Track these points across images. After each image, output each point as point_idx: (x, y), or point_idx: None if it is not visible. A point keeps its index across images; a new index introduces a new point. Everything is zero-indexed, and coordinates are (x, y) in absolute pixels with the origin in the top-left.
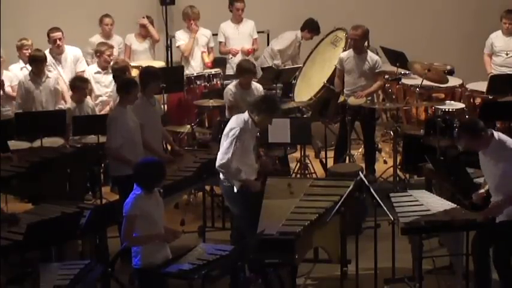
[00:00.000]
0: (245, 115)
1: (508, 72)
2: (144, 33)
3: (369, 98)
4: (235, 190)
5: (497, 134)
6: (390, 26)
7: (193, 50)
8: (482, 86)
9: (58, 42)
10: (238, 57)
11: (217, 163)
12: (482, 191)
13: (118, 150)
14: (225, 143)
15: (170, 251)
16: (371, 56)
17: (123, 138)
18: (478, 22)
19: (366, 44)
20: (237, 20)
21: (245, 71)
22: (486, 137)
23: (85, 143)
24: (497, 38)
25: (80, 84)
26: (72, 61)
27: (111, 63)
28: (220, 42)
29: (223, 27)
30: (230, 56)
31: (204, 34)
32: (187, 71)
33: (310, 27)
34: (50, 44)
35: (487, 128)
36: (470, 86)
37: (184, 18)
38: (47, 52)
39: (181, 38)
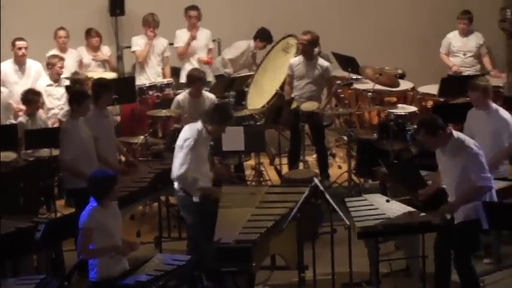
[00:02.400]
0: (198, 124)
1: (466, 73)
2: (95, 46)
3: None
4: (195, 200)
5: (456, 133)
6: (341, 32)
7: (149, 58)
8: (433, 89)
9: (24, 51)
10: (193, 65)
11: (174, 175)
12: (427, 190)
13: (71, 163)
14: (180, 154)
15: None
16: (321, 63)
17: (77, 151)
18: (429, 26)
19: (317, 50)
20: (192, 29)
21: (196, 79)
22: (444, 136)
23: (38, 156)
24: (454, 38)
25: (32, 97)
26: (35, 74)
27: (66, 75)
28: (176, 47)
29: (179, 34)
30: (184, 63)
31: (161, 43)
32: (142, 78)
33: (262, 36)
34: (14, 53)
35: (446, 127)
36: (422, 89)
37: (144, 25)
38: (8, 62)
39: (138, 43)
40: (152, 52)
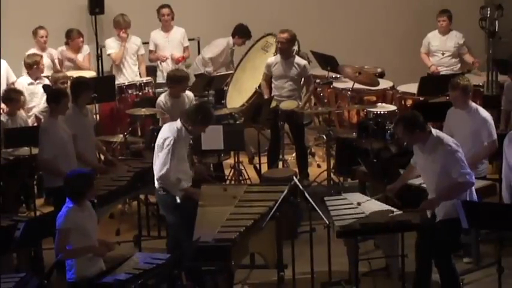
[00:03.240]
0: (177, 123)
1: (444, 72)
2: (79, 46)
3: (299, 102)
4: (178, 201)
5: (435, 131)
6: (320, 31)
7: (125, 58)
8: (413, 87)
9: None
10: (168, 65)
11: (157, 175)
12: (395, 184)
13: (50, 162)
14: (160, 155)
15: (106, 261)
16: (298, 61)
17: (56, 149)
18: (409, 25)
19: (296, 48)
20: (167, 28)
21: (177, 80)
22: (422, 134)
23: (17, 155)
24: (434, 38)
25: (14, 96)
26: (4, 73)
27: (44, 74)
28: (150, 51)
29: (153, 36)
30: (159, 62)
31: (134, 42)
32: (120, 80)
33: (240, 32)
34: None
35: (425, 125)
36: (401, 88)
37: (115, 26)
38: None
39: (112, 46)
40: (127, 52)
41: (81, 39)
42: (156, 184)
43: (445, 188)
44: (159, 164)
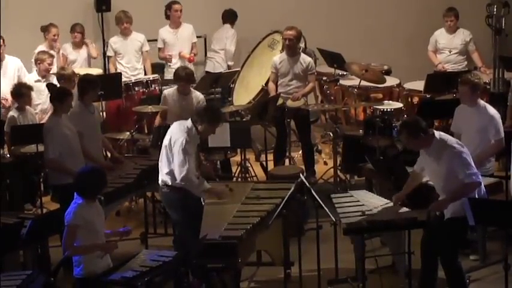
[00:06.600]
0: (188, 122)
1: (451, 69)
2: (77, 42)
3: (305, 99)
4: (203, 202)
5: (438, 134)
6: (327, 28)
7: (128, 55)
8: (419, 85)
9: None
10: (178, 62)
11: (178, 178)
12: (402, 193)
13: (57, 161)
14: (176, 157)
15: (113, 258)
16: (304, 58)
17: (61, 148)
18: (415, 22)
19: (302, 46)
20: (176, 25)
21: (179, 78)
22: (426, 138)
23: (24, 152)
24: (441, 36)
25: (25, 91)
26: (15, 70)
27: (54, 70)
28: (159, 48)
29: (161, 33)
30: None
31: (137, 38)
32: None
33: (233, 18)
34: None
35: (428, 128)
36: (408, 85)
37: (117, 23)
38: None
39: (116, 42)
40: (130, 49)
41: (78, 34)
42: (160, 182)
43: (454, 189)
44: (177, 166)
